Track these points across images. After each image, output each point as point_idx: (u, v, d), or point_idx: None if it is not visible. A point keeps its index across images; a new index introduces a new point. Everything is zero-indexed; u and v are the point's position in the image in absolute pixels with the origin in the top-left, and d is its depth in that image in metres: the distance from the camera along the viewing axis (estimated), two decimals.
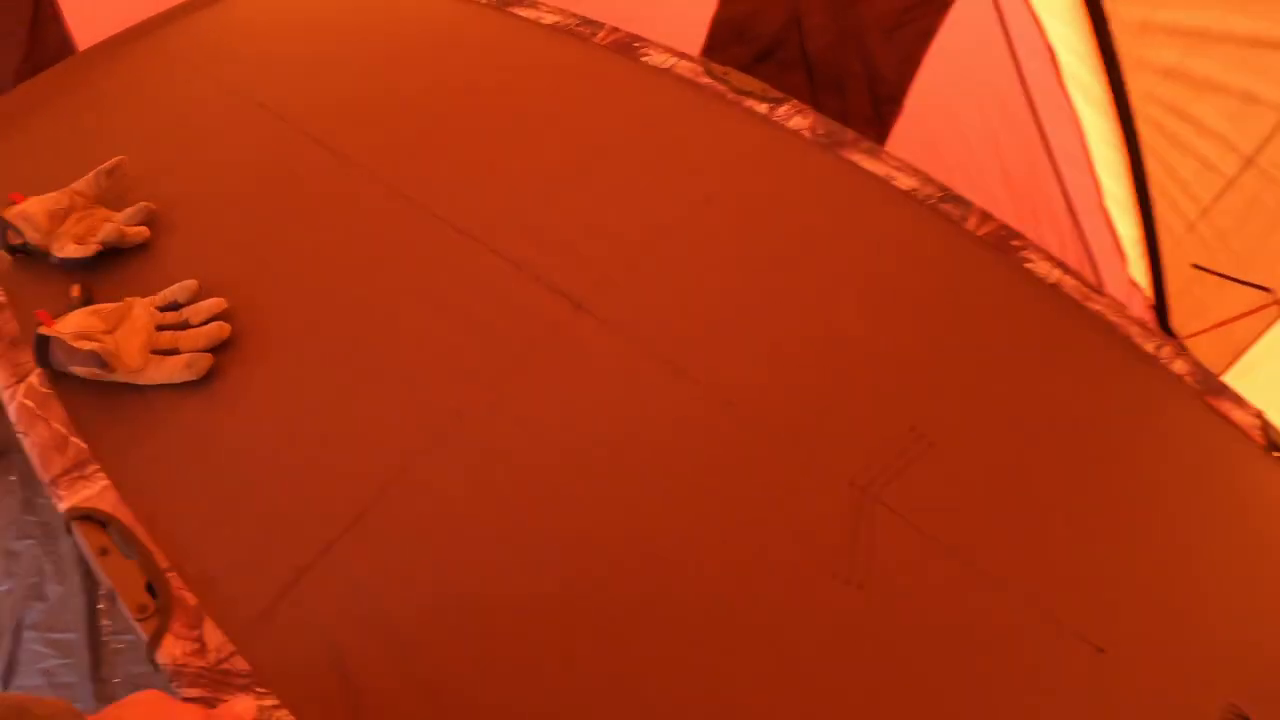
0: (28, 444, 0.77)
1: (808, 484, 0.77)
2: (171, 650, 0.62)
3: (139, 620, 0.64)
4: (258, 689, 0.61)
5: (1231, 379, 1.06)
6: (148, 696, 0.51)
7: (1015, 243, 1.04)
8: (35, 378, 0.81)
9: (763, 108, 1.15)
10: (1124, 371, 0.96)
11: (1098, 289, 1.02)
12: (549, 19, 1.26)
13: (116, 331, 0.80)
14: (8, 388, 0.81)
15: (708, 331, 0.89)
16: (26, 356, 0.83)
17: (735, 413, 0.82)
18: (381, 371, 0.82)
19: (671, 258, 0.96)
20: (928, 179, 1.08)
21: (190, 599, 0.66)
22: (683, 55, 1.20)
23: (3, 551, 1.30)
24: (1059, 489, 0.83)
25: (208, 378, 0.80)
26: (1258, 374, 1.03)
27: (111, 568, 0.66)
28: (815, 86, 1.50)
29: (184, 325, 0.82)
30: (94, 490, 0.72)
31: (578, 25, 1.25)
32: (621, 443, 0.78)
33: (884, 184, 1.08)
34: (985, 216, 1.06)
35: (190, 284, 0.85)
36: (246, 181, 1.01)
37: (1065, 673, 0.70)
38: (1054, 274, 1.02)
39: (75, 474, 0.73)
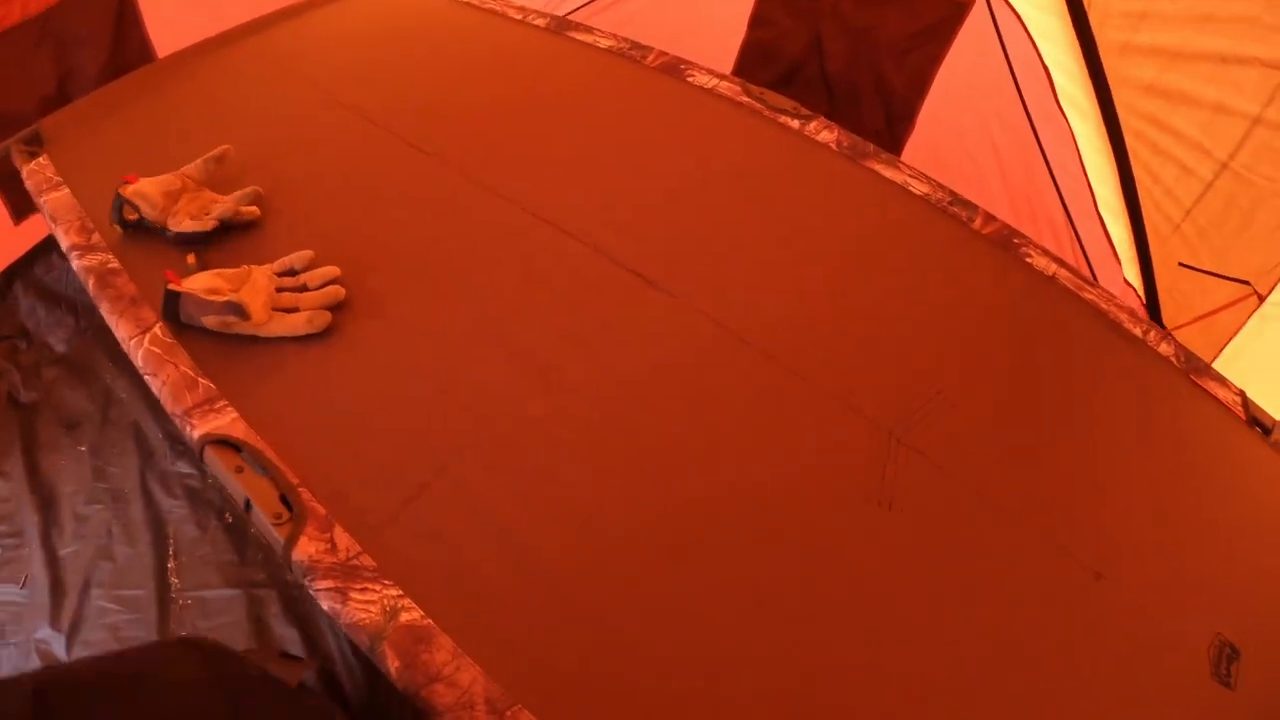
0: (156, 384, 0.86)
1: (847, 428, 0.88)
2: (306, 549, 0.71)
3: (275, 525, 0.72)
4: (384, 581, 0.70)
5: (1219, 367, 1.17)
6: None
7: (1016, 240, 1.15)
8: (159, 329, 0.90)
9: (795, 123, 1.26)
10: (1114, 349, 1.06)
11: (1091, 282, 1.13)
12: (604, 42, 1.38)
13: (240, 291, 0.90)
14: (133, 338, 0.90)
15: (757, 306, 0.99)
16: (147, 313, 0.92)
17: (784, 370, 0.92)
18: (482, 331, 0.92)
19: (721, 245, 1.07)
20: (939, 185, 1.19)
21: (320, 509, 0.74)
22: (724, 76, 1.31)
23: (73, 515, 1.37)
24: (1060, 441, 0.93)
25: (325, 333, 0.89)
26: (1242, 361, 1.13)
27: (247, 482, 0.75)
28: (834, 104, 1.62)
29: (302, 288, 0.92)
30: (225, 420, 0.81)
31: (629, 49, 1.37)
32: (689, 392, 0.88)
33: (901, 189, 1.19)
34: (989, 218, 1.17)
35: (306, 253, 0.94)
36: (340, 172, 1.11)
37: (1065, 594, 0.79)
38: (1051, 267, 1.13)
39: (205, 407, 0.82)
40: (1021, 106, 1.37)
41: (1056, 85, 1.29)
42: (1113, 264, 1.34)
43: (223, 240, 1.00)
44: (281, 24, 1.42)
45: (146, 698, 0.53)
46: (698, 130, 1.26)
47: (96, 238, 1.01)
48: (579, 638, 0.69)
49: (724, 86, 1.32)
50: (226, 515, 1.31)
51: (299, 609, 1.23)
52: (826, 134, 1.26)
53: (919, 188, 1.19)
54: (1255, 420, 1.03)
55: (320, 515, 0.74)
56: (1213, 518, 0.93)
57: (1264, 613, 0.87)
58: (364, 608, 0.68)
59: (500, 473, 0.79)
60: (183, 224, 0.99)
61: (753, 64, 1.65)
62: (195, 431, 0.80)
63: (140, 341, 0.89)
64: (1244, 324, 1.13)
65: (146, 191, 0.99)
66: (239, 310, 0.85)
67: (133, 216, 0.99)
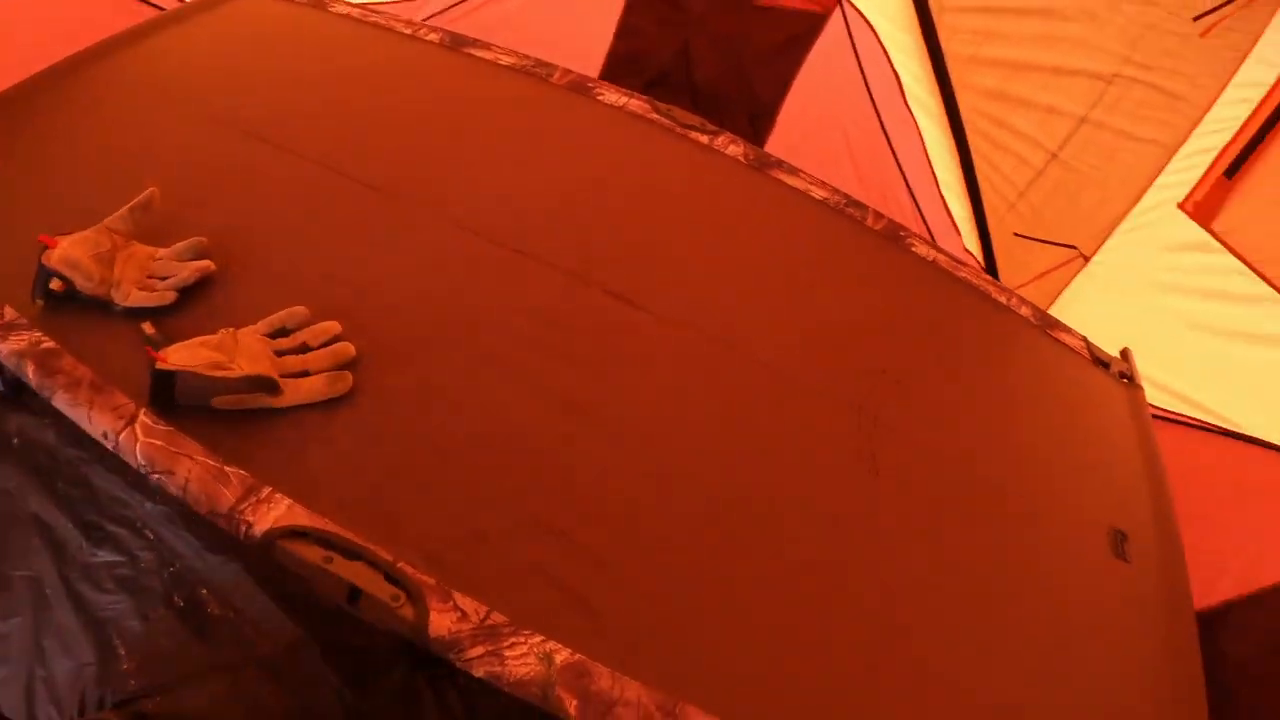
0: (173, 483, 0.76)
1: (825, 408, 1.01)
2: (442, 624, 0.68)
3: (396, 607, 0.69)
4: (523, 631, 0.70)
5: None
6: None
7: (902, 233, 1.34)
8: (146, 417, 0.79)
9: (704, 138, 1.35)
10: (987, 315, 1.29)
11: (961, 262, 1.34)
12: (505, 59, 1.36)
13: (236, 360, 0.81)
14: (119, 432, 0.78)
15: (708, 306, 1.08)
16: (120, 398, 0.80)
17: (754, 363, 1.04)
18: (498, 363, 0.91)
19: (667, 255, 1.14)
20: (835, 189, 1.35)
21: (428, 578, 0.72)
22: (632, 95, 1.35)
23: None
24: (967, 392, 1.15)
25: (345, 395, 0.83)
26: (1071, 311, 1.41)
27: (347, 570, 0.70)
28: (698, 108, 1.72)
29: (303, 348, 0.84)
30: (281, 509, 0.74)
31: (533, 66, 1.36)
32: (691, 389, 0.97)
33: (803, 195, 1.34)
34: (878, 215, 1.35)
35: (300, 310, 0.86)
36: (278, 212, 1.02)
37: (994, 516, 0.99)
38: (931, 254, 1.33)
39: (253, 500, 0.75)
40: (872, 107, 1.56)
41: (905, 89, 1.48)
42: (954, 236, 1.59)
43: (178, 304, 0.88)
44: (150, 39, 1.22)
45: None
46: (613, 149, 1.30)
47: (10, 312, 0.85)
48: (674, 622, 0.77)
49: (634, 104, 1.36)
50: (175, 599, 1.15)
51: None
52: (734, 148, 1.36)
53: (818, 193, 1.34)
54: (1097, 359, 1.32)
55: (432, 585, 0.71)
56: (1084, 435, 1.18)
57: (1130, 501, 1.13)
58: (522, 662, 0.68)
59: (564, 500, 0.82)
60: (131, 296, 0.86)
61: (620, 72, 1.70)
62: (256, 529, 0.73)
63: (131, 435, 0.78)
64: (1070, 281, 1.41)
65: (76, 258, 0.84)
66: (269, 385, 0.77)
67: (59, 288, 0.84)
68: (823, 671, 0.77)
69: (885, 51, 1.47)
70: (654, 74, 1.68)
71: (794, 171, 1.33)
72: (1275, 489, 1.26)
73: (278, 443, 0.79)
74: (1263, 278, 1.22)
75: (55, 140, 1.05)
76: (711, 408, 0.96)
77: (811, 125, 1.65)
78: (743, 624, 0.78)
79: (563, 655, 0.70)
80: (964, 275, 1.31)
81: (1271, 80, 1.27)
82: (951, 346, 1.21)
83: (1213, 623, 1.14)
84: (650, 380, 0.96)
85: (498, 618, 0.70)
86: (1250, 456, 1.29)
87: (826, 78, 1.59)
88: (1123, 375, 1.33)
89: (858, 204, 1.33)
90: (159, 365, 0.77)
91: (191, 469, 0.76)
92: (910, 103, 1.50)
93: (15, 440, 1.10)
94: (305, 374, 0.83)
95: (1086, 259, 1.40)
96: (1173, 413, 1.36)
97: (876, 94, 1.54)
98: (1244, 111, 1.30)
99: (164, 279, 0.88)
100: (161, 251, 0.91)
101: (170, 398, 0.77)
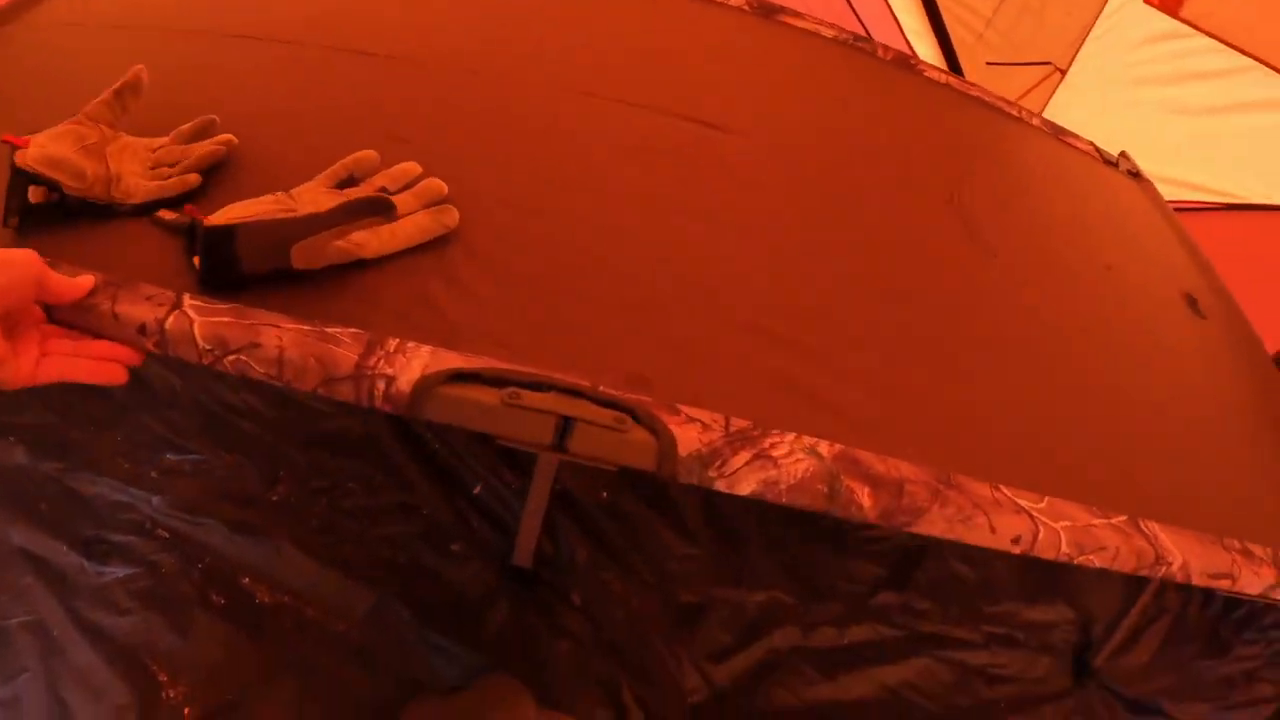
0: (260, 357, 0.55)
1: (918, 199, 0.96)
2: (690, 439, 0.53)
3: (626, 432, 0.53)
4: (771, 431, 0.56)
5: None
6: None
7: (912, 61, 1.28)
8: (195, 299, 0.58)
9: None
10: (1006, 126, 1.28)
11: (971, 84, 1.30)
12: None
13: (302, 211, 0.61)
14: (162, 320, 0.56)
15: (787, 127, 1.01)
16: (148, 290, 0.58)
17: (846, 166, 0.99)
18: (599, 188, 0.76)
19: (731, 93, 1.02)
20: (840, 28, 1.27)
21: (646, 396, 0.56)
22: None
23: None
24: (1017, 192, 1.12)
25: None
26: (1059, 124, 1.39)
27: (542, 403, 0.53)
28: None
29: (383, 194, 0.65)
30: (425, 357, 0.56)
31: None
32: (796, 193, 0.88)
33: (814, 35, 1.25)
34: (886, 48, 1.29)
35: (367, 154, 0.67)
36: (295, 95, 0.80)
37: (1084, 280, 0.97)
38: (943, 78, 1.30)
39: (380, 353, 0.56)
40: None
41: None
42: None
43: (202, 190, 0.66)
44: None
45: None
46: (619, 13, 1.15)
47: None
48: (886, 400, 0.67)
49: None
50: (213, 598, 0.92)
51: None
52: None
53: (827, 32, 1.26)
54: (1106, 159, 1.31)
55: (650, 401, 0.55)
56: (1124, 219, 1.18)
57: (1185, 271, 1.12)
58: (795, 460, 0.54)
59: (744, 297, 0.70)
60: (140, 189, 0.63)
61: None
62: (400, 382, 0.54)
63: (183, 319, 0.56)
64: (1050, 96, 1.39)
65: (59, 154, 0.60)
66: (381, 205, 0.58)
67: (40, 197, 0.61)
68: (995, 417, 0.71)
69: None
70: None
71: (797, 15, 1.25)
72: None
73: (387, 301, 0.60)
74: (1239, 50, 1.24)
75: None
76: (820, 203, 0.87)
77: None
78: (947, 388, 0.71)
79: (825, 448, 0.56)
80: (976, 94, 1.27)
81: None
82: (994, 151, 1.21)
83: None
84: (754, 188, 0.84)
85: (740, 422, 0.56)
86: (1258, 222, 1.31)
87: None
88: (1131, 172, 1.34)
89: (865, 38, 1.26)
90: (206, 221, 0.57)
91: (283, 336, 0.55)
92: None
93: None
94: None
95: (1063, 72, 1.39)
96: (1176, 201, 1.37)
97: None
98: None
99: (174, 166, 0.66)
100: (161, 140, 0.68)
101: (231, 265, 0.57)
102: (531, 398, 0.53)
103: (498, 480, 1.08)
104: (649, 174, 0.80)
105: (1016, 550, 0.60)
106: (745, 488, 0.53)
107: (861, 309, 0.74)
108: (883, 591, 1.19)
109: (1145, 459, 0.76)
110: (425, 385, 0.53)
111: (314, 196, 0.63)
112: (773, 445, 0.54)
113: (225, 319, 0.56)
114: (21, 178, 0.58)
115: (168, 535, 0.94)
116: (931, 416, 0.66)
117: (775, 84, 1.09)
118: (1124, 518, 0.66)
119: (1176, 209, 1.37)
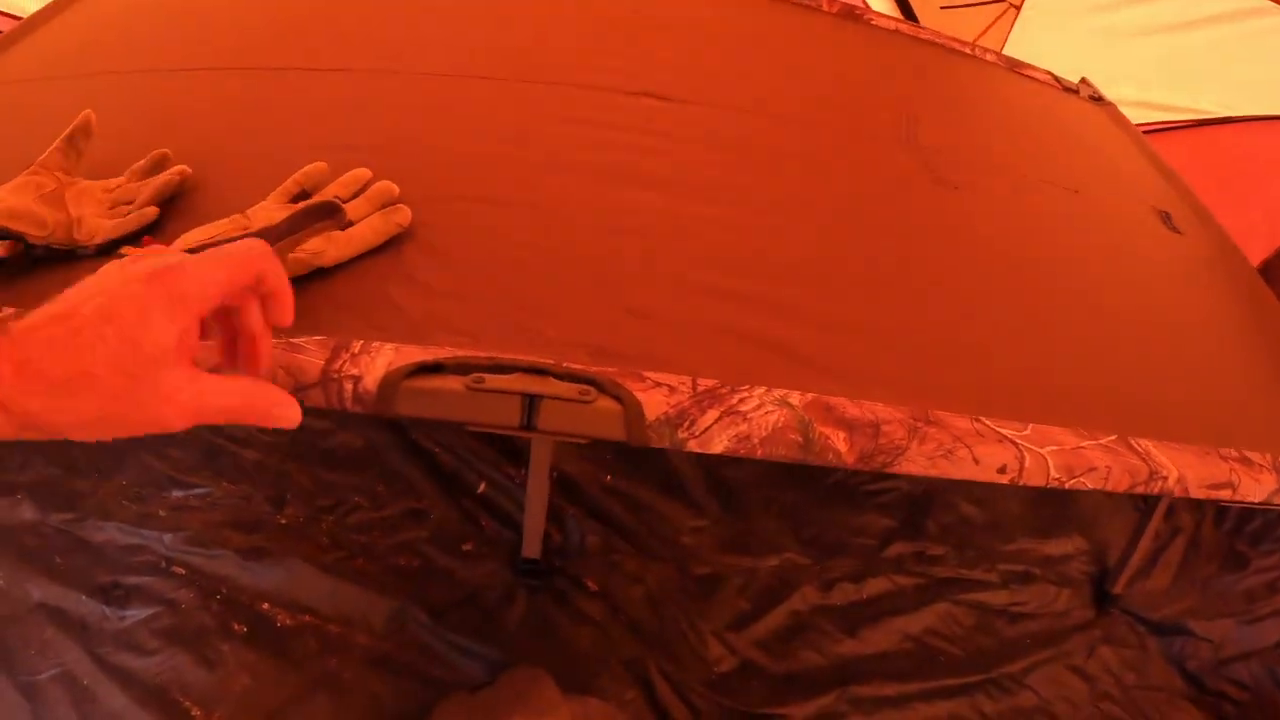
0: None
1: (876, 144, 0.94)
2: (656, 403, 0.52)
3: (591, 403, 0.51)
4: (739, 387, 0.54)
5: None
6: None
7: (858, 11, 1.25)
8: None
9: None
10: (962, 65, 1.26)
11: (921, 26, 1.27)
12: None
13: (253, 217, 0.60)
14: None
15: (734, 89, 0.98)
16: None
17: (796, 119, 0.94)
18: (552, 168, 0.74)
19: (665, 73, 0.99)
20: None
21: (607, 366, 0.54)
22: None
23: None
24: (978, 123, 1.12)
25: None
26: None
27: (507, 385, 0.52)
28: None
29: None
30: (389, 354, 0.55)
31: None
32: (745, 149, 0.86)
33: None
34: (831, 0, 1.25)
35: (316, 166, 0.66)
36: (239, 117, 0.79)
37: (1053, 208, 0.95)
38: (892, 24, 1.27)
39: (346, 356, 0.55)
40: None
41: None
42: None
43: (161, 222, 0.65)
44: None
45: None
46: None
47: None
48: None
49: None
50: (235, 627, 0.91)
51: None
52: None
53: None
54: (1066, 87, 1.29)
55: (614, 371, 0.54)
56: (1090, 143, 1.16)
57: (1155, 189, 1.10)
58: (765, 412, 0.52)
59: (711, 258, 0.68)
60: (101, 228, 0.62)
61: None
62: (366, 381, 0.53)
63: None
64: (1009, 33, 1.36)
65: (20, 206, 0.59)
66: (329, 208, 0.57)
67: (6, 250, 0.60)
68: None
69: None
70: None
71: None
72: (1259, 154, 1.25)
73: (349, 305, 0.59)
74: None
75: None
76: (775, 161, 0.85)
77: None
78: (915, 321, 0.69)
79: (796, 397, 0.54)
80: (928, 37, 1.25)
81: None
82: (948, 90, 1.19)
83: (1266, 274, 1.11)
84: (706, 153, 0.82)
85: (707, 382, 0.54)
86: (1226, 135, 1.28)
87: None
88: (1093, 97, 1.31)
89: None
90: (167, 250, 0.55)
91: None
92: None
93: None
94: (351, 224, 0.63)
95: (1018, 7, 1.36)
96: (1145, 123, 1.34)
97: None
98: None
99: (131, 203, 0.65)
100: (117, 180, 0.67)
101: None
102: (495, 380, 0.52)
103: (501, 476, 1.07)
104: (600, 151, 0.78)
105: (1004, 479, 0.58)
106: (718, 445, 0.51)
107: (825, 258, 0.72)
108: (895, 542, 1.17)
109: (1131, 377, 0.74)
110: (391, 381, 0.52)
111: (268, 214, 0.62)
112: (741, 401, 0.53)
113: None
114: None
115: (183, 571, 0.94)
116: (906, 357, 0.64)
117: (719, 50, 1.07)
118: (1113, 437, 0.64)
119: (1145, 131, 1.34)
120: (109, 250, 0.62)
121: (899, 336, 0.66)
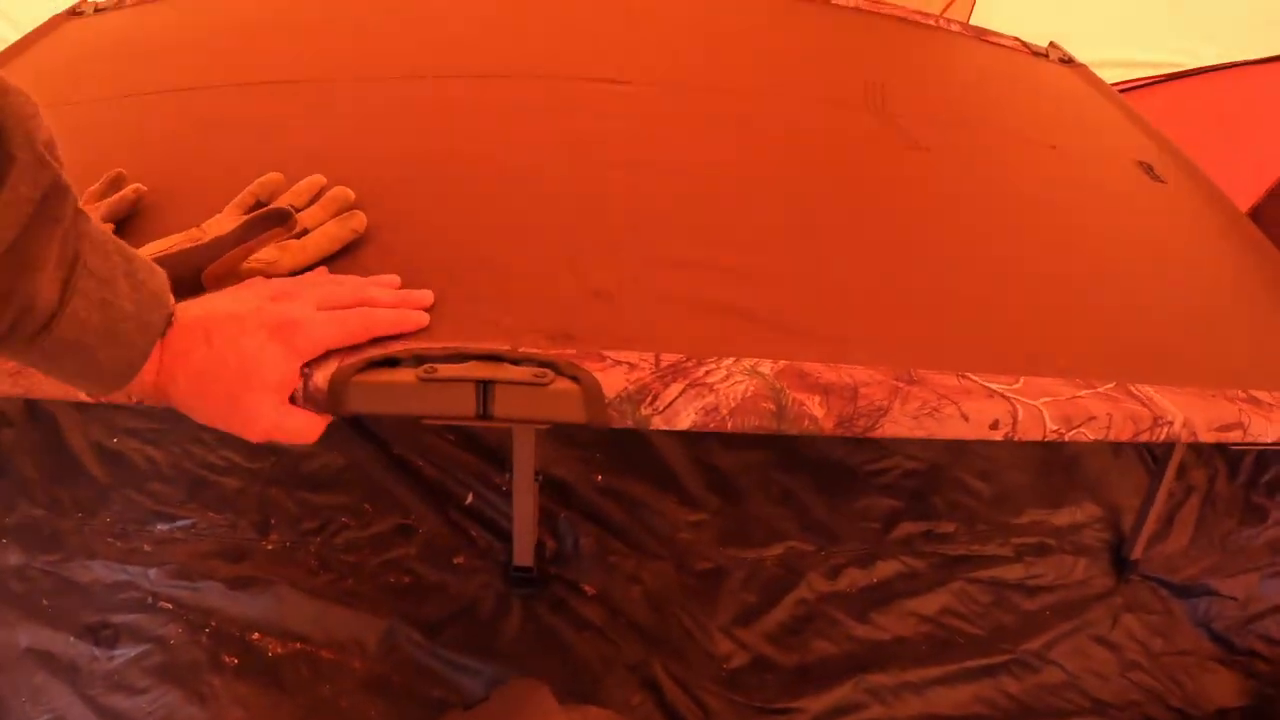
0: None
1: (843, 114, 0.90)
2: (616, 381, 0.49)
3: (543, 384, 0.48)
4: (706, 360, 0.50)
5: None
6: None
7: None
8: None
9: None
10: (927, 37, 1.23)
11: (883, 2, 1.25)
12: None
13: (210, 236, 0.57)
14: None
15: (693, 69, 0.96)
16: None
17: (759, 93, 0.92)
18: (499, 160, 0.71)
19: (621, 57, 0.96)
20: None
21: (567, 349, 0.51)
22: None
23: None
24: (950, 94, 1.09)
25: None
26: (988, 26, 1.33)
27: (460, 374, 0.48)
28: None
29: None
30: (342, 351, 0.51)
31: None
32: (673, 132, 0.82)
33: None
34: None
35: (272, 176, 0.63)
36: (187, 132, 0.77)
37: (1031, 163, 0.91)
38: (851, 1, 1.24)
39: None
40: None
41: None
42: None
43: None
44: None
45: None
46: None
47: None
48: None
49: None
50: (225, 659, 0.87)
51: None
52: None
53: None
54: (1035, 52, 1.26)
55: (572, 352, 0.50)
56: (1062, 103, 1.14)
57: (1134, 142, 1.06)
58: (731, 382, 0.49)
59: (679, 230, 0.65)
60: None
61: None
62: (316, 379, 0.49)
63: None
64: (974, 4, 1.33)
65: None
66: (280, 215, 0.54)
67: None
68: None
69: None
70: None
71: None
72: (1233, 102, 1.21)
73: None
74: None
75: None
76: (738, 137, 0.82)
77: None
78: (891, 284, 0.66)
79: (767, 365, 0.51)
80: (888, 11, 1.22)
81: None
82: (913, 61, 1.16)
83: (1257, 218, 1.07)
84: (667, 132, 0.80)
85: (671, 356, 0.51)
86: (1199, 86, 1.24)
87: None
88: (1063, 60, 1.28)
89: None
90: None
91: None
92: None
93: None
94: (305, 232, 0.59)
95: None
96: (1120, 81, 1.31)
97: None
98: None
99: None
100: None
101: None
102: (447, 369, 0.48)
103: (488, 485, 1.03)
104: (563, 138, 0.75)
105: (998, 435, 0.55)
106: (685, 420, 0.48)
107: (797, 225, 0.69)
108: (902, 523, 1.12)
109: (1125, 324, 0.70)
110: (342, 377, 0.49)
111: (220, 225, 0.59)
112: (708, 373, 0.50)
113: None
114: None
115: (171, 606, 0.90)
116: (886, 317, 0.61)
117: (676, 33, 1.04)
118: (1112, 384, 0.60)
119: (1122, 90, 1.30)
120: None
121: (877, 297, 0.63)
